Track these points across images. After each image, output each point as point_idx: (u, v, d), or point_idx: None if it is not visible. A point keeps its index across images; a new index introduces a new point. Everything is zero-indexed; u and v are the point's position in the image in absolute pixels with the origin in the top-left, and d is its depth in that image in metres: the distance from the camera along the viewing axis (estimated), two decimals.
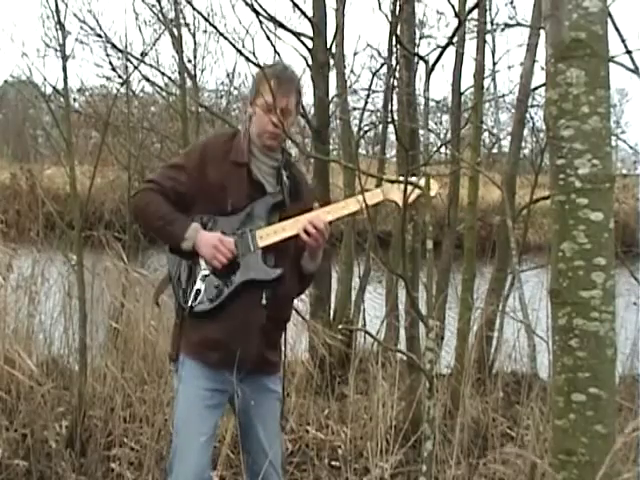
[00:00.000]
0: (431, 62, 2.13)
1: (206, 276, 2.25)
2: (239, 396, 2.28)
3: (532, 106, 6.39)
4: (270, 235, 2.25)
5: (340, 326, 4.74)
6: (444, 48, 2.37)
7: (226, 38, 5.48)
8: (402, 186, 2.18)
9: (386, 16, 5.15)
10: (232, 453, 3.45)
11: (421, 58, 2.27)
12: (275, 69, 2.34)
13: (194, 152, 2.36)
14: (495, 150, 8.49)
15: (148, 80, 6.74)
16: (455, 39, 4.05)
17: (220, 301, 2.23)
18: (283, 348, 2.43)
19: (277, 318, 2.29)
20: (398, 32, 3.42)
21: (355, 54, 7.20)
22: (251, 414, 2.33)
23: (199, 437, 2.22)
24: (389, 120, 6.28)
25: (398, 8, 3.40)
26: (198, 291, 2.24)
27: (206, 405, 2.25)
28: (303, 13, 5.03)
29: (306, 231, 2.20)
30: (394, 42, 5.91)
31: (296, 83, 2.36)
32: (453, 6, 4.25)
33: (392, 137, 8.15)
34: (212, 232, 2.24)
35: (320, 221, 2.21)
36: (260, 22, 4.81)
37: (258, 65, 5.29)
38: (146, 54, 6.09)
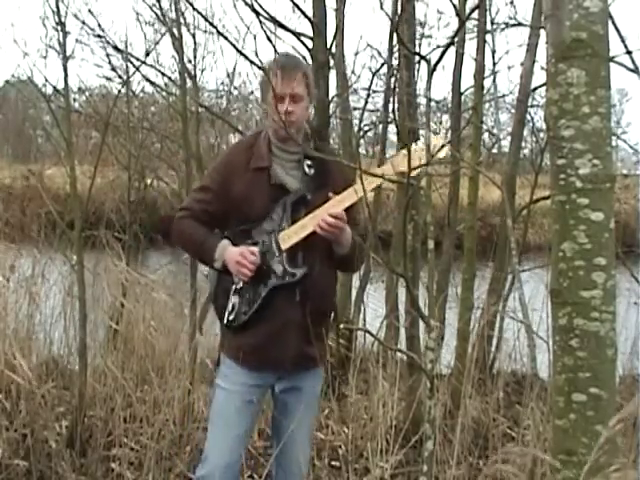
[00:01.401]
0: (433, 62, 2.12)
1: (238, 290, 2.32)
2: (275, 393, 2.39)
3: (532, 106, 6.39)
4: (292, 236, 2.27)
5: (342, 326, 4.73)
6: (446, 48, 2.36)
7: (226, 38, 5.47)
8: (417, 153, 2.16)
9: (388, 15, 5.14)
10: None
11: (423, 58, 2.27)
12: (278, 60, 2.36)
13: (217, 167, 2.42)
14: (495, 150, 8.48)
15: (148, 80, 6.72)
16: (455, 39, 4.04)
17: (253, 311, 2.28)
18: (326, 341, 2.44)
19: (315, 312, 2.29)
20: (398, 32, 3.41)
21: (356, 54, 7.21)
22: (287, 409, 2.39)
23: (233, 430, 2.30)
24: (389, 120, 6.28)
25: (400, 8, 3.40)
26: (233, 306, 2.32)
27: (243, 400, 2.31)
28: (303, 13, 5.02)
29: (320, 226, 2.21)
30: (395, 41, 5.91)
31: (302, 67, 2.36)
32: (455, 6, 4.25)
33: (392, 137, 8.15)
34: (241, 246, 2.28)
35: (328, 215, 2.21)
36: (260, 22, 4.80)
37: (258, 66, 5.30)
38: (149, 54, 6.07)
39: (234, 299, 2.32)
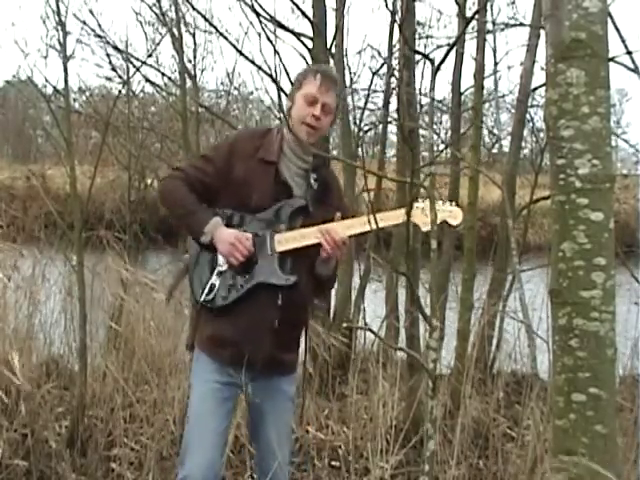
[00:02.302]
0: (436, 61, 2.11)
1: (222, 272, 2.25)
2: (249, 395, 2.31)
3: (532, 106, 6.40)
4: (289, 241, 2.24)
5: (344, 325, 4.73)
6: (451, 47, 2.35)
7: (226, 38, 5.47)
8: (424, 212, 2.19)
9: (392, 13, 5.13)
10: (232, 453, 3.46)
11: (427, 57, 2.26)
12: (321, 66, 2.41)
13: (224, 145, 2.36)
14: (495, 150, 8.48)
15: (148, 80, 6.73)
16: (461, 38, 4.04)
17: (232, 299, 2.23)
18: (302, 348, 2.43)
19: (291, 320, 2.28)
20: (403, 31, 3.40)
21: (358, 52, 7.22)
22: (262, 413, 2.34)
23: (211, 430, 2.25)
24: (389, 120, 6.28)
25: (404, 8, 3.39)
26: (212, 286, 2.25)
27: (217, 398, 2.27)
28: (303, 13, 5.03)
29: (327, 241, 2.20)
30: (397, 41, 5.91)
31: (339, 85, 2.35)
32: (460, 6, 4.25)
33: (392, 137, 8.15)
34: (233, 229, 2.24)
35: (338, 235, 2.20)
36: (260, 22, 4.80)
37: (258, 66, 5.30)
38: (150, 55, 6.09)
39: (215, 279, 2.25)
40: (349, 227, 2.24)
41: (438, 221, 2.17)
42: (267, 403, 2.32)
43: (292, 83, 2.39)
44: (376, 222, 1.99)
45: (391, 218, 2.26)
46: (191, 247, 2.35)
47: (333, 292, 5.37)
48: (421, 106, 5.16)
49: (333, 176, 2.48)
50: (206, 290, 2.25)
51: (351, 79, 6.65)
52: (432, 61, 1.96)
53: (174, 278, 2.53)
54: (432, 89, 2.03)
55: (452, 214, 2.36)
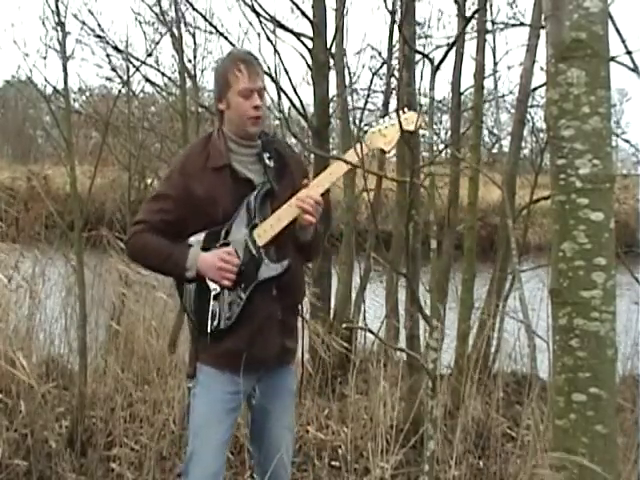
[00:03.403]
0: (436, 61, 2.11)
1: (217, 296, 2.22)
2: (256, 395, 2.30)
3: (532, 106, 6.40)
4: (267, 230, 2.21)
5: (344, 325, 4.72)
6: (451, 47, 2.35)
7: (226, 38, 5.48)
8: (385, 132, 2.15)
9: (392, 13, 5.13)
10: (232, 454, 3.45)
11: (427, 57, 2.26)
12: (237, 56, 2.29)
13: (173, 174, 2.29)
14: (495, 150, 8.48)
15: (148, 80, 6.73)
16: (460, 37, 4.04)
17: (236, 315, 2.21)
18: (300, 334, 2.41)
19: (290, 304, 2.28)
20: (403, 31, 3.40)
21: (358, 53, 7.22)
22: (267, 412, 2.34)
23: (216, 440, 2.23)
24: None
25: (404, 8, 3.39)
26: (214, 312, 2.21)
27: (225, 409, 2.25)
28: (303, 13, 5.03)
29: (302, 207, 2.17)
30: (397, 41, 5.91)
31: (259, 61, 2.31)
32: (460, 5, 4.25)
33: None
34: (215, 249, 2.20)
35: (314, 197, 2.17)
36: (260, 22, 4.80)
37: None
38: (150, 55, 6.07)
39: (213, 305, 2.21)
40: (318, 185, 2.22)
41: (391, 138, 2.14)
42: (272, 401, 2.32)
43: (216, 85, 2.31)
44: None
45: (352, 154, 2.20)
46: (178, 293, 2.32)
47: (333, 292, 5.38)
48: (420, 106, 5.15)
49: (283, 145, 2.43)
50: (209, 319, 2.21)
51: (350, 79, 6.65)
52: (432, 61, 1.95)
53: (172, 331, 2.49)
54: (432, 89, 2.03)
55: (407, 120, 2.26)
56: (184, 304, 2.31)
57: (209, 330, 2.21)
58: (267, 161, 2.26)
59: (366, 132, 2.28)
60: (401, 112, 2.26)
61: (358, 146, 2.18)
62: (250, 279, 2.22)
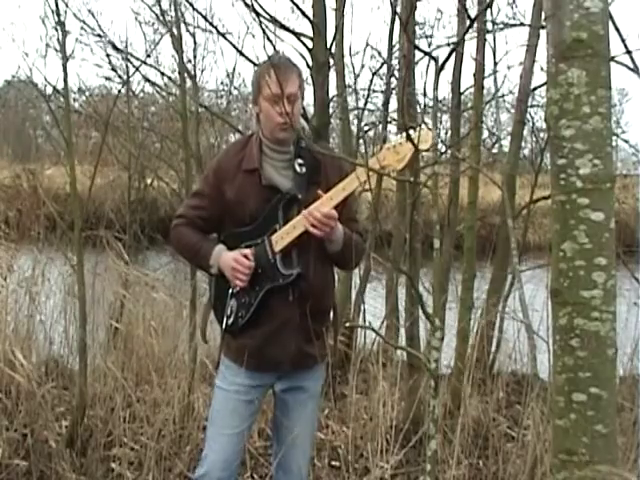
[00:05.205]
0: (440, 61, 2.09)
1: (235, 294, 2.33)
2: (276, 392, 2.42)
3: (532, 106, 6.39)
4: (284, 237, 2.26)
5: (346, 324, 4.72)
6: (455, 46, 2.35)
7: (226, 38, 5.48)
8: (399, 149, 2.17)
9: (396, 13, 5.12)
10: None
11: (430, 56, 2.24)
12: (272, 59, 2.33)
13: (209, 174, 2.41)
14: (495, 150, 8.48)
15: (148, 80, 6.73)
16: (455, 39, 4.05)
17: (250, 315, 2.29)
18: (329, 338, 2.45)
19: (313, 310, 2.28)
20: (407, 31, 3.40)
21: (356, 53, 7.22)
22: (288, 410, 2.40)
23: (230, 429, 2.32)
24: (389, 120, 6.28)
25: (409, 7, 3.39)
26: (231, 309, 2.32)
27: (240, 400, 2.34)
28: (303, 13, 5.02)
29: (310, 224, 2.20)
30: (395, 41, 5.91)
31: (296, 67, 2.34)
32: (464, 6, 4.24)
33: (392, 137, 8.14)
34: (233, 251, 2.29)
35: (320, 211, 2.18)
36: (260, 22, 4.80)
37: (258, 65, 5.29)
38: (150, 55, 6.08)
39: (232, 303, 2.32)
40: (329, 199, 2.22)
41: (403, 155, 2.15)
42: (292, 399, 2.39)
43: (252, 89, 2.37)
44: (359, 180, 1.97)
45: (363, 171, 2.15)
46: (209, 281, 2.47)
47: None
48: (420, 106, 5.16)
49: (322, 150, 2.39)
50: (226, 316, 2.33)
51: (355, 77, 6.64)
52: (436, 60, 1.94)
53: (202, 316, 2.59)
54: (436, 88, 2.01)
55: (422, 138, 2.18)
56: (210, 296, 2.46)
57: (224, 326, 2.34)
58: (297, 168, 2.31)
59: (381, 148, 2.29)
60: (414, 131, 2.22)
61: (371, 161, 2.23)
62: (264, 283, 2.28)
